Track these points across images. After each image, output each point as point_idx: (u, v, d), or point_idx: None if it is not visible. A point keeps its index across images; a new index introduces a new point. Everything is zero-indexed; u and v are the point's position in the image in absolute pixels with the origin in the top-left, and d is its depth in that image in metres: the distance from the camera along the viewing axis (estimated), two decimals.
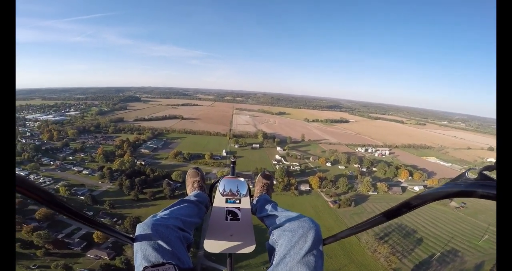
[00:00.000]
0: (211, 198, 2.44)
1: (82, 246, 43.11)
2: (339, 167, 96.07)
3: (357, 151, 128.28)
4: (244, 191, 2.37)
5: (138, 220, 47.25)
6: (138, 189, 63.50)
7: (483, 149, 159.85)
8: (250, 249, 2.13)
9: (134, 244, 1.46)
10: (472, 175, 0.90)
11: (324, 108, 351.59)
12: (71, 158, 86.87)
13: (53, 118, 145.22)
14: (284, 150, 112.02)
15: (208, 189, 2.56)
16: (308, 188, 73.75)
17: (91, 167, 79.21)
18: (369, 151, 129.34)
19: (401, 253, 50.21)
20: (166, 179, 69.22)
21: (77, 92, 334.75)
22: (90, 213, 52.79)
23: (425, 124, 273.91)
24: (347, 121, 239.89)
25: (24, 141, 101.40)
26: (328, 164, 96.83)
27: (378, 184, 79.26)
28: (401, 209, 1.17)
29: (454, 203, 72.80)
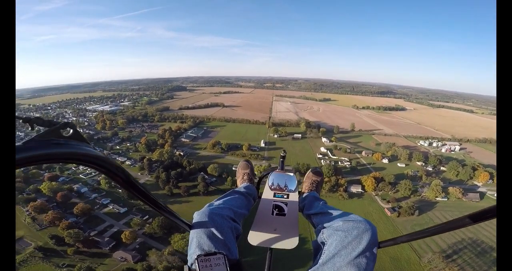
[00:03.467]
0: (258, 190, 2.48)
1: (110, 246, 42.18)
2: (399, 164, 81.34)
3: (419, 144, 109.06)
4: (293, 187, 2.36)
5: (164, 221, 44.40)
6: (173, 183, 61.56)
7: None
8: (292, 245, 2.08)
9: (191, 231, 1.55)
10: None
11: (374, 94, 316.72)
12: (118, 147, 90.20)
13: (108, 109, 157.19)
14: (330, 141, 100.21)
15: (257, 181, 2.61)
16: (360, 190, 63.01)
17: (134, 157, 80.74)
18: (434, 145, 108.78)
19: None
20: (202, 173, 66.16)
21: (132, 83, 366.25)
22: (125, 209, 53.12)
23: None
24: (403, 109, 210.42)
25: (81, 131, 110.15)
26: (385, 161, 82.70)
27: (450, 188, 64.18)
28: (466, 221, 1.07)
29: None
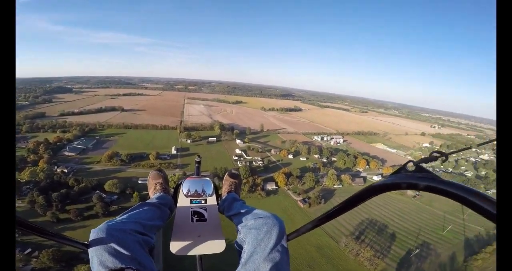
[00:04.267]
0: (176, 200, 2.32)
1: None
2: (301, 158, 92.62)
3: (314, 139, 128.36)
4: (210, 191, 2.32)
5: (59, 251, 35.37)
6: (58, 207, 47.99)
7: (417, 135, 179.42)
8: (219, 249, 2.09)
9: (89, 250, 1.39)
10: (410, 168, 1.01)
11: (278, 97, 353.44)
12: None
13: None
14: (244, 142, 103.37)
15: (173, 191, 2.47)
16: (274, 186, 67.55)
17: None
18: (325, 139, 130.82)
19: (380, 252, 48.28)
20: (97, 191, 53.97)
21: None
22: None
23: (367, 112, 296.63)
24: (300, 109, 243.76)
25: None
26: (290, 156, 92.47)
27: (342, 176, 77.96)
28: (352, 202, 1.28)
29: (411, 192, 76.01)
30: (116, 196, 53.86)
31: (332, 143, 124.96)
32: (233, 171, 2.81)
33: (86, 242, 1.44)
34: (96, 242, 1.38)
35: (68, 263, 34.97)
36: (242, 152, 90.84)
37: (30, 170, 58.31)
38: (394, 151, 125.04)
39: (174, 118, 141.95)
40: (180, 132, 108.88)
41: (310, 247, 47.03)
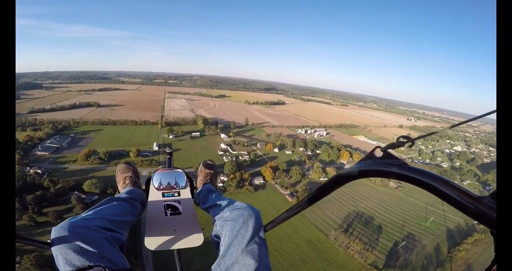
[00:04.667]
0: (148, 194, 2.23)
1: None
2: (286, 152, 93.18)
3: (298, 132, 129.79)
4: (183, 183, 2.25)
5: (42, 256, 33.59)
6: (34, 210, 44.94)
7: (395, 127, 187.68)
8: (197, 242, 2.06)
9: (52, 248, 1.31)
10: (378, 154, 1.00)
11: (261, 90, 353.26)
12: None
13: None
14: (229, 136, 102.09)
15: (144, 185, 2.36)
16: (262, 181, 67.41)
17: None
18: (309, 132, 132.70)
19: (369, 245, 49.50)
20: (76, 192, 50.81)
21: None
22: None
23: (347, 105, 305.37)
24: (284, 103, 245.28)
25: None
26: (276, 150, 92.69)
27: (328, 169, 79.36)
28: (323, 191, 1.31)
29: (392, 183, 79.23)
30: (97, 196, 50.92)
31: (315, 136, 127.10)
32: (208, 161, 2.71)
33: (48, 241, 1.37)
34: (59, 240, 1.30)
35: (53, 267, 32.79)
36: (228, 147, 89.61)
37: None
38: (375, 142, 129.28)
39: (154, 113, 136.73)
40: (161, 127, 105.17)
41: (301, 241, 47.53)
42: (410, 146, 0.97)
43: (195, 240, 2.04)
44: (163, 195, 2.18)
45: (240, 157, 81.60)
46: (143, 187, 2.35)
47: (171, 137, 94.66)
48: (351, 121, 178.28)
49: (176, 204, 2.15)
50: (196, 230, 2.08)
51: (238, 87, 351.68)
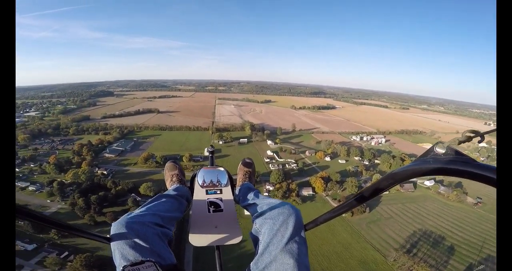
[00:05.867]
0: (192, 191, 2.32)
1: None
2: (339, 161, 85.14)
3: (352, 140, 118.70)
4: (224, 181, 2.31)
5: (92, 257, 35.77)
6: (96, 210, 48.87)
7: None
8: (236, 239, 2.11)
9: (111, 244, 1.42)
10: (440, 150, 0.87)
11: (308, 95, 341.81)
12: (17, 169, 68.79)
13: None
14: (275, 143, 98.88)
15: (189, 182, 2.47)
16: (311, 192, 61.98)
17: (41, 180, 62.67)
18: (365, 139, 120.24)
19: (436, 268, 41.38)
20: (133, 194, 54.27)
21: (44, 90, 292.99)
22: (33, 245, 41.03)
23: (408, 109, 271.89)
24: (334, 107, 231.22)
25: None
26: (327, 158, 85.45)
27: None
28: (373, 191, 1.18)
29: (470, 198, 64.79)
30: (150, 199, 53.74)
31: (373, 143, 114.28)
32: (247, 160, 2.73)
33: (108, 236, 1.49)
34: (117, 236, 1.42)
35: (100, 268, 34.51)
36: (274, 154, 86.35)
37: (73, 172, 61.28)
38: None
39: (206, 119, 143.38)
40: (212, 133, 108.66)
41: (353, 261, 42.02)
42: (479, 141, 0.86)
43: (234, 237, 2.07)
44: (207, 192, 2.21)
45: (287, 165, 77.58)
46: (188, 184, 2.42)
47: (220, 142, 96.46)
48: (415, 127, 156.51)
49: (218, 201, 2.18)
50: (236, 228, 2.10)
51: (283, 92, 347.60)
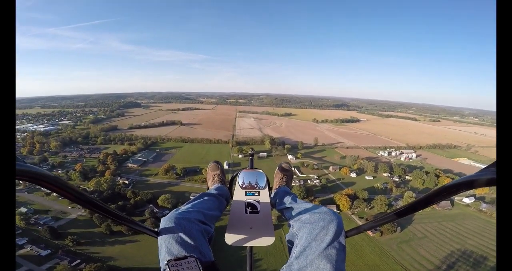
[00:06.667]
0: (231, 191, 2.45)
1: None
2: (366, 177, 79.45)
3: (379, 155, 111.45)
4: (263, 183, 2.36)
5: (103, 267, 35.75)
6: (113, 220, 48.77)
7: None
8: (269, 241, 2.14)
9: (159, 237, 1.51)
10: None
11: (330, 107, 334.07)
12: None
13: (42, 129, 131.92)
14: (296, 158, 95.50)
15: (228, 182, 2.59)
16: (335, 210, 57.47)
17: None
18: (393, 154, 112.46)
19: None
20: (151, 205, 53.95)
21: (78, 99, 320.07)
22: (47, 251, 41.49)
23: (439, 121, 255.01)
24: (358, 120, 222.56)
25: None
26: (353, 174, 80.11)
27: None
28: (425, 202, 1.11)
29: None
30: (167, 211, 52.86)
31: (402, 159, 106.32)
32: (284, 165, 2.78)
33: (156, 230, 1.58)
34: (166, 231, 1.50)
35: None
36: (295, 169, 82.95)
37: (96, 180, 62.95)
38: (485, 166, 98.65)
39: (226, 132, 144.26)
40: (232, 146, 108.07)
41: None
42: None
43: (267, 239, 2.10)
44: (246, 194, 2.28)
45: (309, 181, 73.80)
46: (227, 185, 2.55)
47: (240, 156, 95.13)
48: (448, 141, 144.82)
49: (255, 203, 2.23)
50: (270, 230, 2.12)
51: (304, 105, 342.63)
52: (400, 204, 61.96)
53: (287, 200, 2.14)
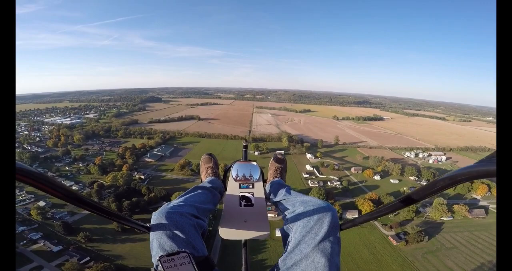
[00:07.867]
0: (225, 184, 2.41)
1: None
2: (391, 180, 74.00)
3: (405, 156, 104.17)
4: (257, 176, 2.36)
5: (110, 267, 35.28)
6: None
7: None
8: (264, 235, 2.11)
9: (150, 233, 1.49)
10: None
11: (352, 104, 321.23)
12: (67, 168, 75.71)
13: (68, 122, 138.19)
14: (316, 157, 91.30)
15: (222, 175, 2.54)
16: (357, 216, 53.30)
17: (85, 180, 66.88)
18: (420, 156, 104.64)
19: None
20: (164, 202, 51.96)
21: (104, 94, 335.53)
22: (59, 247, 42.06)
23: (470, 121, 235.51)
24: (381, 118, 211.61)
25: (29, 148, 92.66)
26: (377, 177, 74.92)
27: (455, 206, 57.94)
28: (426, 192, 1.03)
29: None
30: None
31: (431, 161, 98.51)
32: (279, 156, 2.71)
33: (148, 225, 1.55)
34: (157, 226, 1.47)
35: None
36: (314, 169, 79.05)
37: (112, 175, 63.47)
38: None
39: (243, 128, 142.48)
40: (247, 143, 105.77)
41: None
42: None
43: (262, 232, 2.07)
44: (240, 186, 2.26)
45: (329, 182, 69.86)
46: (221, 177, 2.47)
47: (256, 153, 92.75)
48: (480, 143, 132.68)
49: (250, 196, 2.21)
50: (265, 223, 2.09)
51: (323, 101, 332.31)
52: (429, 211, 56.85)
53: (282, 192, 2.08)
